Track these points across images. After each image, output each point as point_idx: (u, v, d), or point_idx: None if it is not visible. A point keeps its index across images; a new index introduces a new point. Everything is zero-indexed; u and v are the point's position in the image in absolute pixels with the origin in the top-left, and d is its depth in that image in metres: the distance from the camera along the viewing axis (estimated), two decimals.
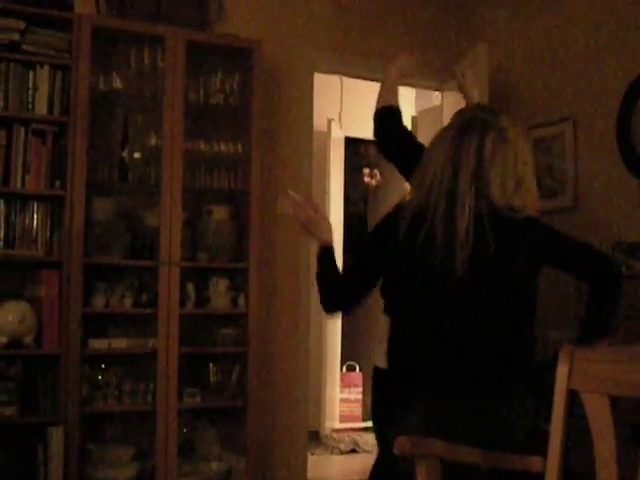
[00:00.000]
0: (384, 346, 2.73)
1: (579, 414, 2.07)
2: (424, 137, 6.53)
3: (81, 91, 4.30)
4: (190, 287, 4.63)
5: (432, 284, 2.56)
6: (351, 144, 7.80)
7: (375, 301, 2.86)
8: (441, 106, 5.74)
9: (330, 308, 2.86)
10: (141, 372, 4.52)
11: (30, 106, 4.29)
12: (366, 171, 8.15)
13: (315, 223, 2.89)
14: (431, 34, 5.79)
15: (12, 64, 4.26)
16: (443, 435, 2.32)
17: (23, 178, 4.24)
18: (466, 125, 2.63)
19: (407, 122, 6.92)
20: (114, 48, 4.63)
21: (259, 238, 4.75)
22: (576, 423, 2.16)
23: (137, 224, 4.63)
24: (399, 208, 2.72)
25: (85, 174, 4.30)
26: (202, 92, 4.83)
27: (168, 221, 4.47)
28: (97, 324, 4.48)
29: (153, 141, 4.68)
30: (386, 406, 2.73)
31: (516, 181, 2.60)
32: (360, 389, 7.49)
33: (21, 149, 4.24)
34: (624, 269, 4.03)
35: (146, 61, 4.66)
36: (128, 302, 4.47)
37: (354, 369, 7.58)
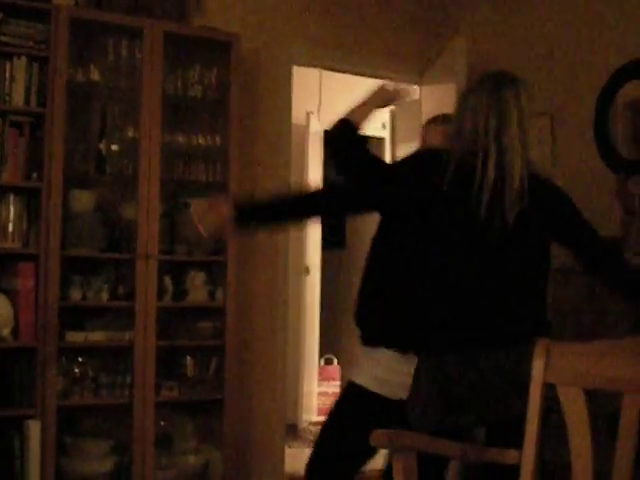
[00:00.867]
0: None
1: (555, 407, 2.09)
2: (402, 131, 6.53)
3: (58, 83, 4.28)
4: (167, 280, 4.62)
5: (480, 232, 2.56)
6: None
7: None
8: (419, 100, 5.74)
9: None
10: (118, 365, 4.51)
11: (7, 97, 4.26)
12: None
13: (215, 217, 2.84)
14: (410, 28, 5.79)
15: None
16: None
17: (0, 170, 4.21)
18: (500, 78, 2.66)
19: (385, 116, 6.93)
20: (92, 40, 4.61)
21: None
22: (551, 416, 2.18)
23: (114, 217, 4.61)
24: (431, 154, 2.71)
25: (62, 166, 4.27)
26: (180, 84, 4.81)
27: (146, 214, 4.46)
28: (74, 317, 4.46)
29: (131, 133, 4.66)
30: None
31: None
32: (338, 382, 7.49)
33: None
34: None
35: (124, 53, 4.64)
36: (105, 295, 4.46)
37: (332, 362, 7.58)
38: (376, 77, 5.44)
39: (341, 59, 5.58)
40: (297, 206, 2.84)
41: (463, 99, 2.71)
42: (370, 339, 2.92)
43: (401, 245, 2.82)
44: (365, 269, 2.98)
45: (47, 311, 4.21)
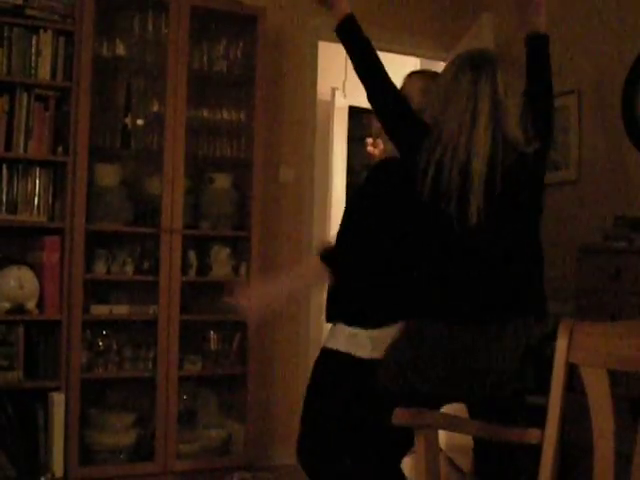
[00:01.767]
0: None
1: (578, 388, 2.08)
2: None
3: (84, 57, 4.28)
4: (192, 255, 4.63)
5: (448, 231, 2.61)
6: (355, 114, 7.75)
7: None
8: None
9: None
10: (142, 339, 4.54)
11: (33, 71, 4.27)
12: (369, 141, 8.11)
13: None
14: (437, 4, 5.74)
15: (15, 28, 4.24)
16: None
17: (26, 144, 4.23)
18: (473, 64, 2.70)
19: None
20: (118, 14, 4.61)
21: (261, 207, 4.75)
22: (574, 397, 2.17)
23: (139, 191, 4.63)
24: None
25: (87, 140, 4.29)
26: (206, 59, 4.80)
27: (170, 188, 4.47)
28: (98, 291, 4.49)
29: (156, 108, 4.67)
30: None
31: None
32: None
33: (24, 114, 4.23)
34: (626, 243, 4.02)
35: (150, 27, 4.64)
36: (129, 269, 4.48)
37: None
38: (402, 53, 5.42)
39: (367, 34, 5.53)
40: (372, 70, 3.05)
41: (444, 89, 2.72)
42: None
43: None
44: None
45: (72, 284, 4.24)
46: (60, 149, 4.29)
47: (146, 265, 4.53)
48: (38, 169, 4.28)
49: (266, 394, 4.99)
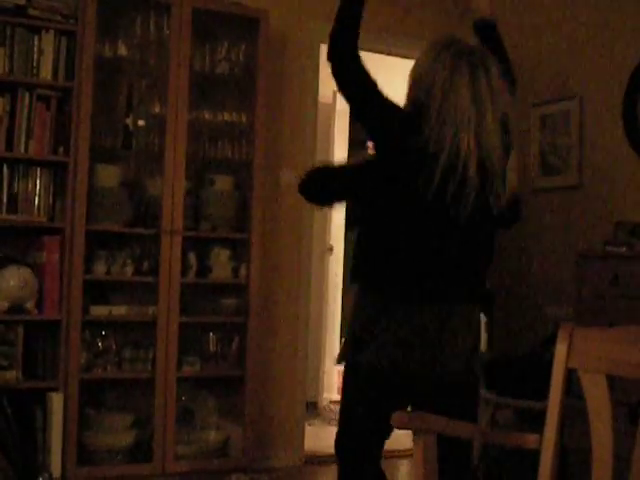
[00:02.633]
0: None
1: (576, 393, 2.08)
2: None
3: (86, 57, 4.29)
4: (192, 256, 4.63)
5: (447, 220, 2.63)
6: None
7: None
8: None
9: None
10: (141, 340, 4.54)
11: (35, 71, 4.28)
12: (370, 144, 8.12)
13: None
14: (439, 8, 5.74)
15: (18, 28, 4.24)
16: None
17: (27, 143, 4.24)
18: (472, 60, 2.68)
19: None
20: (120, 14, 4.61)
21: (261, 209, 4.75)
22: (572, 402, 2.17)
23: (140, 192, 4.63)
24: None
25: (89, 141, 4.29)
26: (208, 61, 4.81)
27: (171, 190, 4.47)
28: (98, 291, 4.49)
29: (157, 109, 4.67)
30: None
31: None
32: None
33: (25, 114, 4.23)
34: (626, 249, 4.03)
35: (152, 28, 4.64)
36: (129, 270, 4.48)
37: None
38: (402, 57, 5.42)
39: (368, 38, 5.48)
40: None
41: (442, 79, 2.66)
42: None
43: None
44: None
45: (72, 285, 4.24)
46: (61, 149, 4.29)
47: (146, 266, 4.54)
48: (39, 169, 4.28)
49: (264, 396, 4.99)
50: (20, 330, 4.15)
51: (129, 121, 4.57)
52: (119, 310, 4.49)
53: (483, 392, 4.18)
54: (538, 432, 2.15)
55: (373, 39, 5.53)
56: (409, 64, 2.89)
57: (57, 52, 4.31)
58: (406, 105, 2.77)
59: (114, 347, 4.47)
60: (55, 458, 4.12)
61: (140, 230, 4.55)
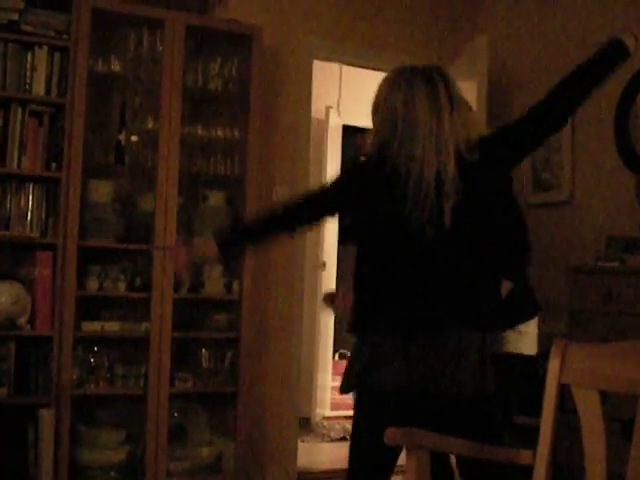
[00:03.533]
0: None
1: (569, 408, 2.08)
2: None
3: (79, 73, 4.29)
4: (184, 272, 4.62)
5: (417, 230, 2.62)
6: (349, 132, 7.78)
7: None
8: None
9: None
10: (133, 356, 4.53)
11: (28, 87, 4.28)
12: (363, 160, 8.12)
13: (195, 253, 2.93)
14: (432, 25, 5.77)
15: (10, 44, 4.24)
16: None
17: (19, 159, 4.23)
18: (428, 74, 2.71)
19: None
20: (113, 31, 4.62)
21: None
22: (566, 417, 2.17)
23: (133, 208, 4.62)
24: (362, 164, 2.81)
25: (81, 156, 4.29)
26: (201, 77, 4.81)
27: (164, 205, 4.47)
28: (90, 307, 4.48)
29: (150, 125, 4.67)
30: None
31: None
32: None
33: (18, 130, 4.23)
34: (618, 264, 4.03)
35: (145, 44, 4.65)
36: (122, 286, 4.47)
37: (346, 357, 7.58)
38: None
39: (361, 54, 5.57)
40: (275, 224, 2.89)
41: (399, 109, 2.69)
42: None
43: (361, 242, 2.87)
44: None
45: (64, 300, 4.23)
46: (54, 165, 4.29)
47: (138, 282, 4.53)
48: (31, 185, 4.28)
49: (257, 412, 4.98)
50: (12, 346, 4.14)
51: (122, 137, 4.57)
52: (111, 326, 4.48)
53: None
54: (531, 448, 2.15)
55: (368, 55, 5.56)
56: None
57: (50, 68, 4.31)
58: (372, 141, 2.80)
59: (106, 363, 4.46)
60: (46, 474, 4.09)
61: (133, 246, 4.54)
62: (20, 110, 4.24)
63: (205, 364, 4.75)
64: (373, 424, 2.68)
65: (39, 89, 4.29)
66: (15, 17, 4.22)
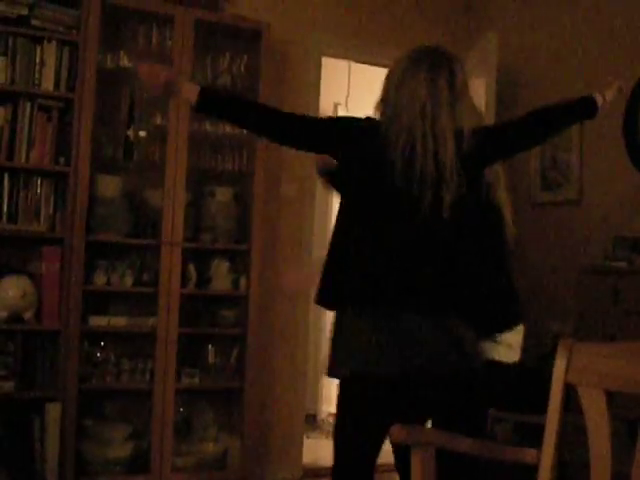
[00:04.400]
0: None
1: (574, 408, 2.08)
2: None
3: (88, 68, 4.29)
4: (191, 268, 4.63)
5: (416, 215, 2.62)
6: None
7: None
8: None
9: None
10: (140, 351, 4.54)
11: (37, 81, 4.28)
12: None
13: (174, 83, 2.81)
14: (441, 21, 5.76)
15: (20, 38, 4.24)
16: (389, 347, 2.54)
17: (28, 153, 4.24)
18: (436, 58, 2.73)
19: None
20: (123, 26, 4.62)
21: (262, 220, 4.75)
22: (571, 417, 2.16)
23: (140, 203, 4.63)
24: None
25: (90, 151, 4.29)
26: (210, 72, 4.82)
27: (171, 201, 4.47)
28: (97, 301, 4.48)
29: (159, 120, 4.67)
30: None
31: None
32: None
33: (26, 124, 4.23)
34: (626, 264, 4.02)
35: (154, 40, 4.65)
36: (129, 281, 4.47)
37: None
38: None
39: (370, 51, 5.56)
40: (262, 116, 2.89)
41: (399, 78, 2.73)
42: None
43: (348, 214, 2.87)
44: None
45: (71, 295, 4.24)
46: (62, 159, 4.30)
47: (145, 277, 4.53)
48: (40, 179, 4.28)
49: (263, 409, 4.98)
50: (19, 340, 4.15)
51: (130, 132, 4.57)
52: (118, 321, 4.48)
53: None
54: (537, 447, 2.14)
55: (377, 52, 5.55)
56: None
57: (59, 62, 4.31)
58: (374, 109, 2.82)
59: (113, 358, 4.47)
60: (52, 469, 4.11)
61: (140, 241, 4.55)
62: (29, 105, 4.24)
63: (211, 360, 4.76)
64: (355, 413, 2.69)
65: (48, 84, 4.30)
66: (25, 11, 4.23)
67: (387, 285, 2.62)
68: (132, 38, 4.63)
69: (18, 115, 4.22)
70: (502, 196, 3.06)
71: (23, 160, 4.23)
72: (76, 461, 4.23)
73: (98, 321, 4.42)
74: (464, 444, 2.29)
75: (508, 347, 3.04)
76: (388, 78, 2.78)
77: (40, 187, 4.28)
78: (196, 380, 4.63)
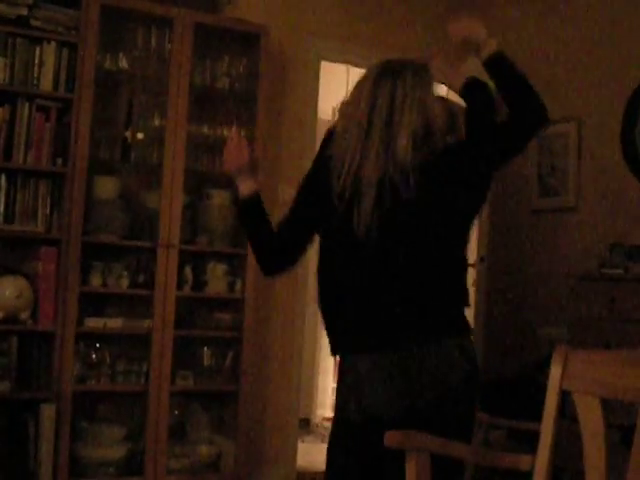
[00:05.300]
0: None
1: (569, 415, 2.08)
2: None
3: (87, 69, 4.29)
4: (188, 270, 4.62)
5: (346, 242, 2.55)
6: None
7: None
8: (446, 97, 5.72)
9: (267, 270, 2.94)
10: (135, 353, 4.53)
11: (35, 82, 4.28)
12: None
13: (252, 167, 2.91)
14: (440, 26, 5.76)
15: (19, 39, 4.24)
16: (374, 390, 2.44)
17: (25, 154, 4.23)
18: (378, 75, 2.62)
19: None
20: (122, 27, 4.62)
21: None
22: (566, 423, 2.17)
23: (137, 205, 4.63)
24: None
25: (87, 152, 4.29)
26: (208, 75, 4.82)
27: (168, 203, 4.47)
28: (93, 303, 4.48)
29: (157, 122, 4.68)
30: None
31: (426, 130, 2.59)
32: None
33: (24, 124, 4.23)
34: (622, 271, 4.03)
35: (153, 42, 4.65)
36: (125, 282, 4.47)
37: None
38: None
39: (369, 56, 5.55)
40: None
41: (351, 94, 2.67)
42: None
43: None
44: None
45: (67, 296, 4.23)
46: (60, 160, 4.29)
47: (142, 279, 4.53)
48: (37, 180, 4.28)
49: (257, 412, 4.98)
50: (14, 340, 4.14)
51: (128, 134, 4.58)
52: (114, 322, 4.47)
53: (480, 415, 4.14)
54: (531, 453, 2.14)
55: (375, 56, 5.55)
56: None
57: (58, 63, 4.31)
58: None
59: (108, 359, 4.46)
60: (46, 469, 4.10)
61: (137, 243, 4.55)
62: (27, 105, 4.24)
63: (206, 362, 4.76)
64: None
65: (47, 84, 4.30)
66: (24, 12, 4.22)
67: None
68: (131, 40, 4.63)
69: (16, 115, 4.22)
70: None
71: (21, 160, 4.23)
72: (70, 462, 4.23)
73: (94, 322, 4.41)
74: (459, 450, 2.29)
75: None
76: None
77: (37, 188, 4.28)
78: (191, 382, 4.62)
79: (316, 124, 5.38)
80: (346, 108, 2.65)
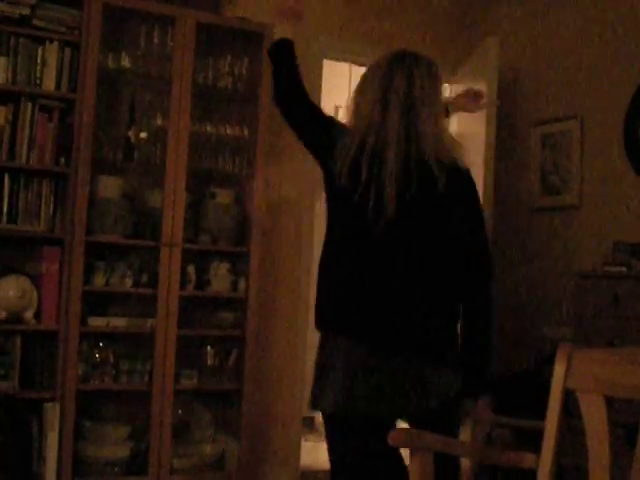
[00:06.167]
0: None
1: (573, 413, 2.08)
2: None
3: (89, 69, 4.29)
4: (191, 269, 4.63)
5: (361, 226, 2.57)
6: None
7: None
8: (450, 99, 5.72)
9: (278, 103, 3.09)
10: (139, 352, 4.53)
11: (38, 81, 4.28)
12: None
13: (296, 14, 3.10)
14: (443, 25, 5.77)
15: (21, 39, 4.24)
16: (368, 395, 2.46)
17: (28, 153, 4.23)
18: (395, 60, 2.70)
19: None
20: (124, 27, 4.62)
21: (261, 223, 4.75)
22: (571, 422, 2.17)
23: (140, 204, 4.63)
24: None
25: (90, 152, 4.29)
26: (211, 74, 4.81)
27: (171, 202, 4.47)
28: (97, 302, 4.48)
29: (159, 122, 4.68)
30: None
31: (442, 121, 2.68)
32: None
33: (27, 124, 4.23)
34: (625, 269, 4.03)
35: (156, 41, 4.65)
36: (128, 282, 4.47)
37: None
38: None
39: (371, 54, 5.54)
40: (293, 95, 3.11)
41: (363, 78, 2.80)
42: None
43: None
44: None
45: (70, 295, 4.24)
46: (63, 160, 4.29)
47: (145, 278, 4.53)
48: (40, 179, 4.28)
49: (261, 411, 4.98)
50: (18, 340, 4.14)
51: (131, 133, 4.57)
52: (117, 322, 4.48)
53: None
54: (535, 451, 2.14)
55: (378, 55, 5.55)
56: None
57: (61, 63, 4.31)
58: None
59: (111, 359, 4.46)
60: (50, 469, 4.10)
61: (140, 242, 4.55)
62: (30, 105, 4.24)
63: (210, 362, 4.75)
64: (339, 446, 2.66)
65: (49, 84, 4.30)
66: (27, 12, 4.22)
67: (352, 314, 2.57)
68: (133, 39, 4.63)
69: (19, 115, 4.22)
70: None
71: (24, 160, 4.23)
72: (74, 462, 4.23)
73: (97, 322, 4.41)
74: (463, 449, 2.29)
75: None
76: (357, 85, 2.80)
77: (40, 187, 4.28)
78: (194, 382, 4.63)
79: None
80: (360, 86, 2.69)
